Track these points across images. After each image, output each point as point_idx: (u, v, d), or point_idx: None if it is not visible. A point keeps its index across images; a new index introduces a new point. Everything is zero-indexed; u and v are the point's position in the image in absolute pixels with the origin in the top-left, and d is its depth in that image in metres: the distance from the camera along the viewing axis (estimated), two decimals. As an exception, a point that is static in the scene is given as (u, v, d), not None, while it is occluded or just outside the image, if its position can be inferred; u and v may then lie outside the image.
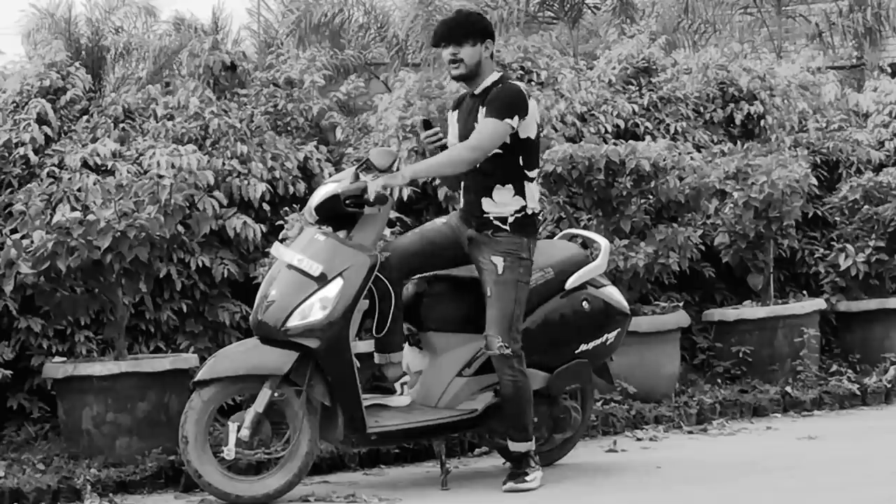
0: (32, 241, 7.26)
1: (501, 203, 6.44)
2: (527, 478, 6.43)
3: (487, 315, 6.39)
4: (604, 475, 6.73)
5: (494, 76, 6.51)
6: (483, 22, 6.57)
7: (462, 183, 6.59)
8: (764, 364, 9.22)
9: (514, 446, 6.50)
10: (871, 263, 9.77)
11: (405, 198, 8.68)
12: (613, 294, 6.96)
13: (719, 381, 9.22)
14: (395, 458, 7.33)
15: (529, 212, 6.47)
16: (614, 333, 6.89)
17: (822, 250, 10.17)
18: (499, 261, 6.39)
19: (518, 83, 6.61)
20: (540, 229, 7.07)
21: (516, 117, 6.35)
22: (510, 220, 6.43)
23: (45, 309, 7.55)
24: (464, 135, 6.51)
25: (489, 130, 6.33)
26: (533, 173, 6.51)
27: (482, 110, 6.41)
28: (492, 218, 6.45)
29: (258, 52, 19.30)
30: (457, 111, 6.67)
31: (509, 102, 6.36)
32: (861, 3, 19.45)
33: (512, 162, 6.43)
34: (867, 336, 9.81)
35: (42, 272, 7.19)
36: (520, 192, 6.44)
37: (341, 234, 6.49)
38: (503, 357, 6.35)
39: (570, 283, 6.78)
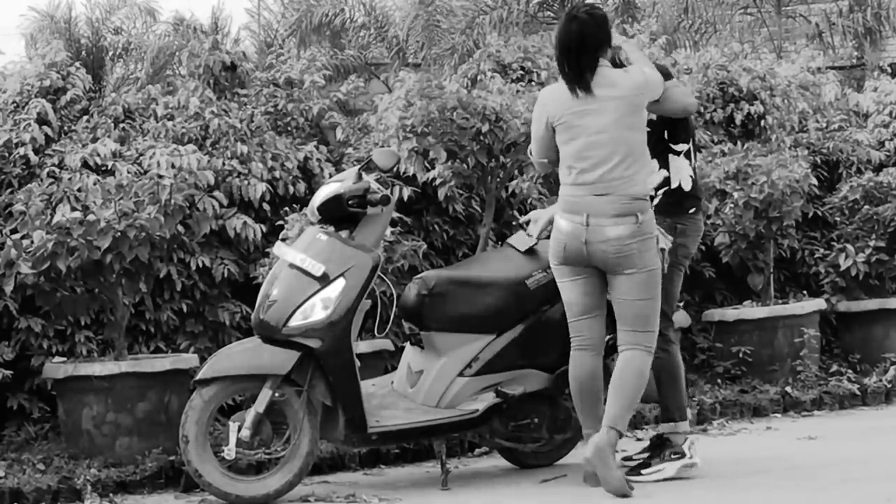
0: (32, 241, 7.26)
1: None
2: (644, 470, 6.44)
3: None
4: (604, 475, 6.72)
5: None
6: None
7: None
8: (764, 364, 9.22)
9: (660, 427, 6.60)
10: (871, 263, 9.76)
11: (405, 198, 8.67)
12: (614, 295, 6.96)
13: (719, 381, 9.23)
14: (395, 458, 7.33)
15: (674, 186, 6.46)
16: (615, 334, 6.88)
17: (822, 250, 10.17)
18: None
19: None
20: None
21: None
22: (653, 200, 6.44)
23: (45, 309, 7.55)
24: None
25: None
26: (680, 146, 6.51)
27: None
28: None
29: (258, 52, 19.31)
30: None
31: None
32: (861, 3, 19.48)
33: (655, 136, 6.43)
34: (867, 336, 9.81)
35: (42, 272, 7.19)
36: (664, 166, 6.46)
37: (343, 233, 6.50)
38: None
39: (571, 283, 6.77)
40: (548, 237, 6.90)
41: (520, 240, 6.85)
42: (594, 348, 6.33)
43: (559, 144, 6.24)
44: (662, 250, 6.28)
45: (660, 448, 6.49)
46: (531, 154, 6.49)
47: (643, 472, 6.46)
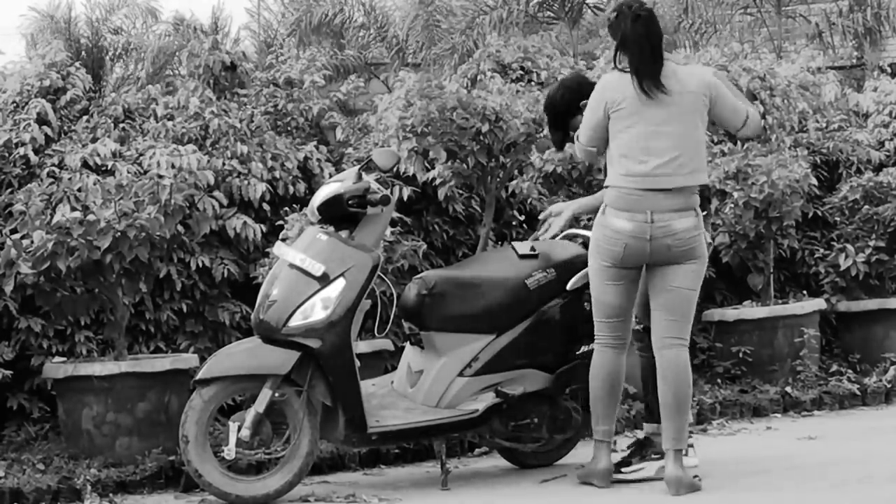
0: (32, 241, 7.25)
1: None
2: (623, 468, 6.46)
3: None
4: (604, 475, 6.73)
5: None
6: None
7: None
8: (764, 364, 9.22)
9: (645, 428, 6.64)
10: (871, 263, 9.77)
11: (405, 198, 8.67)
12: (614, 294, 6.96)
13: (719, 381, 9.23)
14: (395, 458, 7.33)
15: None
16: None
17: (822, 250, 10.18)
18: None
19: None
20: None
21: None
22: None
23: (45, 309, 7.55)
24: None
25: None
26: None
27: None
28: None
29: (258, 52, 19.33)
30: None
31: None
32: (861, 3, 19.47)
33: None
34: (867, 336, 9.82)
35: (42, 272, 7.18)
36: None
37: (343, 233, 6.50)
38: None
39: (572, 283, 6.77)
40: (552, 237, 6.89)
41: (523, 247, 6.84)
42: (621, 347, 6.32)
43: (613, 133, 6.10)
44: (709, 244, 6.44)
45: (642, 448, 6.49)
46: (578, 140, 6.37)
47: (623, 469, 6.45)
